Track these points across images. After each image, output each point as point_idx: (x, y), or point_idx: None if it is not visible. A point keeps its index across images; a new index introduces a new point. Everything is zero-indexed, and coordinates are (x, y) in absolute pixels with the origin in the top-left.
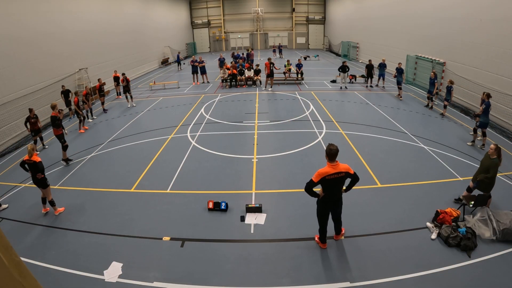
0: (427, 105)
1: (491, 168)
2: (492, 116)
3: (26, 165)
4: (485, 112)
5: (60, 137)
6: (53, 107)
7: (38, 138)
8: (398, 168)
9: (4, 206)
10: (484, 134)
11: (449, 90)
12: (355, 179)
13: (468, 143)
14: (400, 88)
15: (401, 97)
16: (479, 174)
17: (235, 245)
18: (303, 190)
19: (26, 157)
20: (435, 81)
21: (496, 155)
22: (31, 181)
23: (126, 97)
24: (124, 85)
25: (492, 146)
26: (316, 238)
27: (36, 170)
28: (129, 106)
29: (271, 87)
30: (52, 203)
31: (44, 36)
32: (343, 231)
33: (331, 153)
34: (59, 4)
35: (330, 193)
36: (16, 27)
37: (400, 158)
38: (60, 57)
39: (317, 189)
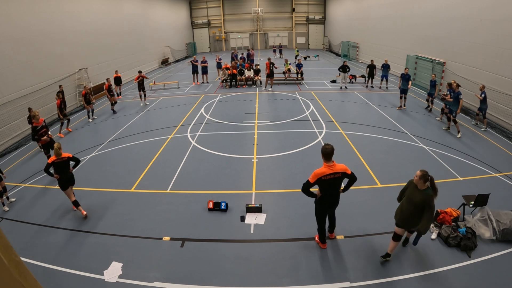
0: (427, 107)
1: (425, 204)
2: (492, 116)
3: (51, 168)
4: (454, 101)
5: (45, 147)
6: (34, 116)
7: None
8: (398, 168)
9: (6, 208)
10: (454, 122)
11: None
12: (352, 179)
13: (444, 128)
14: (404, 98)
15: (404, 106)
16: (409, 214)
17: (235, 245)
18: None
19: (52, 158)
20: (436, 83)
21: (426, 186)
22: (31, 181)
23: (140, 96)
24: (140, 82)
25: (418, 173)
26: (316, 238)
27: (67, 166)
28: (141, 104)
29: (271, 87)
30: (77, 204)
31: (44, 36)
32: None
33: (326, 152)
34: (59, 4)
35: (327, 193)
36: (16, 28)
37: (400, 158)
38: (60, 57)
39: (315, 189)
